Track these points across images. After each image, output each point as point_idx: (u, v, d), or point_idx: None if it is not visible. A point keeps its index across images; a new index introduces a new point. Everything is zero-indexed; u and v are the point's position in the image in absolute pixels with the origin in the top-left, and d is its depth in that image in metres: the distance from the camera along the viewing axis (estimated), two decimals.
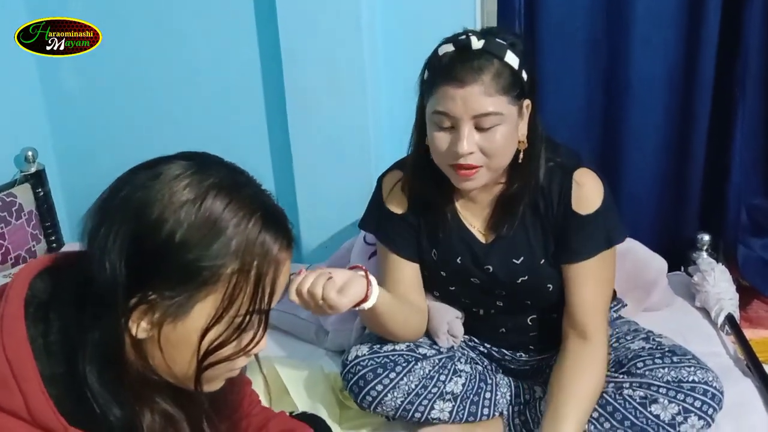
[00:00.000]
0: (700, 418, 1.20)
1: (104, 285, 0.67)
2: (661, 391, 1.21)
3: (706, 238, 1.98)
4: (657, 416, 1.20)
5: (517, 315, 1.37)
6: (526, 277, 1.30)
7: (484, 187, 1.27)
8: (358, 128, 2.03)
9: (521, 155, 1.23)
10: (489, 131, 1.15)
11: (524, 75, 1.17)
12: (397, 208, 1.35)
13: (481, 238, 1.32)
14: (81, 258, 0.71)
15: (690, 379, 1.22)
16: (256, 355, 0.79)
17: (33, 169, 2.23)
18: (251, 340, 0.73)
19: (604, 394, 1.24)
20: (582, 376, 1.22)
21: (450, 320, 1.37)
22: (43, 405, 0.67)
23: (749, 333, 1.78)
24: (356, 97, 2.00)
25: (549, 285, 1.30)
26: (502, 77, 1.14)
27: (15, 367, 0.66)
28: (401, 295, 1.32)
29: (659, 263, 1.84)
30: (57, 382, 0.68)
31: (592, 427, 1.23)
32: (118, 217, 0.68)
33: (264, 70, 2.10)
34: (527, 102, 1.21)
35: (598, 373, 1.23)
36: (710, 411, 1.21)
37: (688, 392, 1.20)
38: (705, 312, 1.79)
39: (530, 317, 1.37)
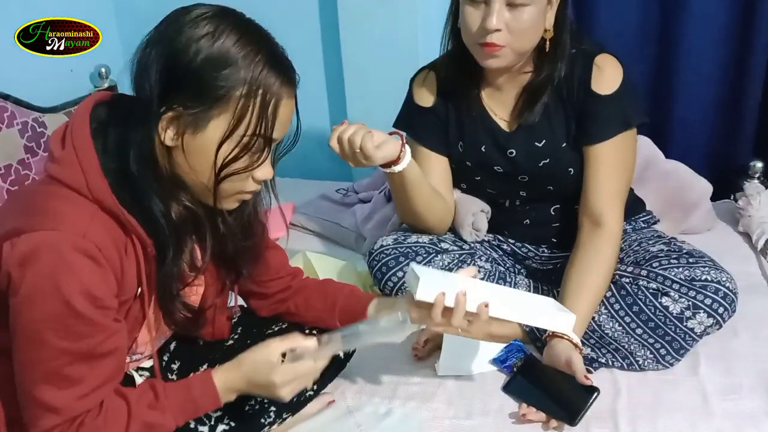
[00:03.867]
0: (709, 315, 1.22)
1: (144, 96, 0.86)
2: (674, 287, 1.23)
3: (759, 165, 1.92)
4: (666, 308, 1.23)
5: (540, 204, 1.42)
6: (548, 160, 1.35)
7: (510, 75, 1.34)
8: (408, 45, 2.06)
9: (548, 45, 1.28)
10: (518, 9, 1.21)
11: None
12: (426, 102, 1.43)
13: (505, 127, 1.39)
14: (127, 97, 0.92)
15: (702, 278, 1.23)
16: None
17: (106, 85, 2.39)
18: (258, 159, 0.90)
19: (623, 282, 1.28)
20: (590, 270, 1.25)
21: (475, 213, 1.43)
22: (99, 182, 0.85)
23: None
24: (407, 13, 2.02)
25: (570, 169, 1.34)
26: None
27: (80, 153, 0.86)
28: None
29: (703, 185, 1.82)
30: (111, 173, 0.87)
31: (603, 308, 1.27)
32: (155, 44, 0.87)
33: None
34: None
35: (606, 267, 1.26)
36: (720, 310, 1.22)
37: (699, 290, 1.22)
38: (747, 237, 1.76)
39: (553, 207, 1.42)
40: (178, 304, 0.97)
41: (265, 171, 0.92)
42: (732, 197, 1.96)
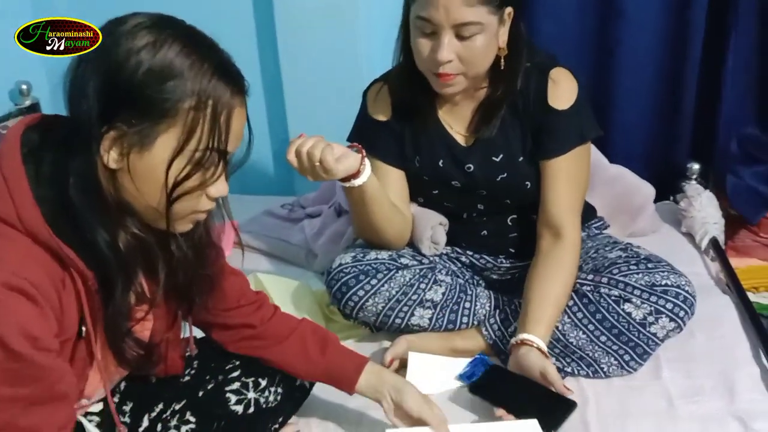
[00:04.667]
0: (671, 320, 1.23)
1: (81, 117, 0.78)
2: (635, 293, 1.24)
3: (696, 166, 1.98)
4: (629, 314, 1.24)
5: (497, 216, 1.41)
6: (505, 175, 1.34)
7: (465, 93, 1.32)
8: (350, 56, 2.02)
9: (502, 62, 1.26)
10: (469, 40, 1.20)
11: None
12: (381, 116, 1.39)
13: (462, 141, 1.37)
14: (61, 118, 0.83)
15: (663, 283, 1.24)
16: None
17: (27, 103, 2.24)
18: (212, 175, 0.83)
19: (585, 290, 1.28)
20: (553, 279, 1.25)
21: (434, 226, 1.41)
22: (32, 213, 0.77)
23: (736, 262, 1.80)
24: (348, 24, 1.98)
25: (527, 182, 1.34)
26: None
27: (10, 182, 0.77)
28: None
29: (647, 189, 1.86)
30: (46, 202, 0.78)
31: (566, 317, 1.27)
32: (89, 60, 0.79)
33: None
34: (509, 10, 1.23)
35: (568, 275, 1.27)
36: (681, 313, 1.24)
37: (661, 294, 1.23)
38: (690, 237, 1.81)
39: (510, 217, 1.41)
40: (129, 342, 0.89)
41: (219, 187, 0.86)
42: (672, 198, 2.03)
